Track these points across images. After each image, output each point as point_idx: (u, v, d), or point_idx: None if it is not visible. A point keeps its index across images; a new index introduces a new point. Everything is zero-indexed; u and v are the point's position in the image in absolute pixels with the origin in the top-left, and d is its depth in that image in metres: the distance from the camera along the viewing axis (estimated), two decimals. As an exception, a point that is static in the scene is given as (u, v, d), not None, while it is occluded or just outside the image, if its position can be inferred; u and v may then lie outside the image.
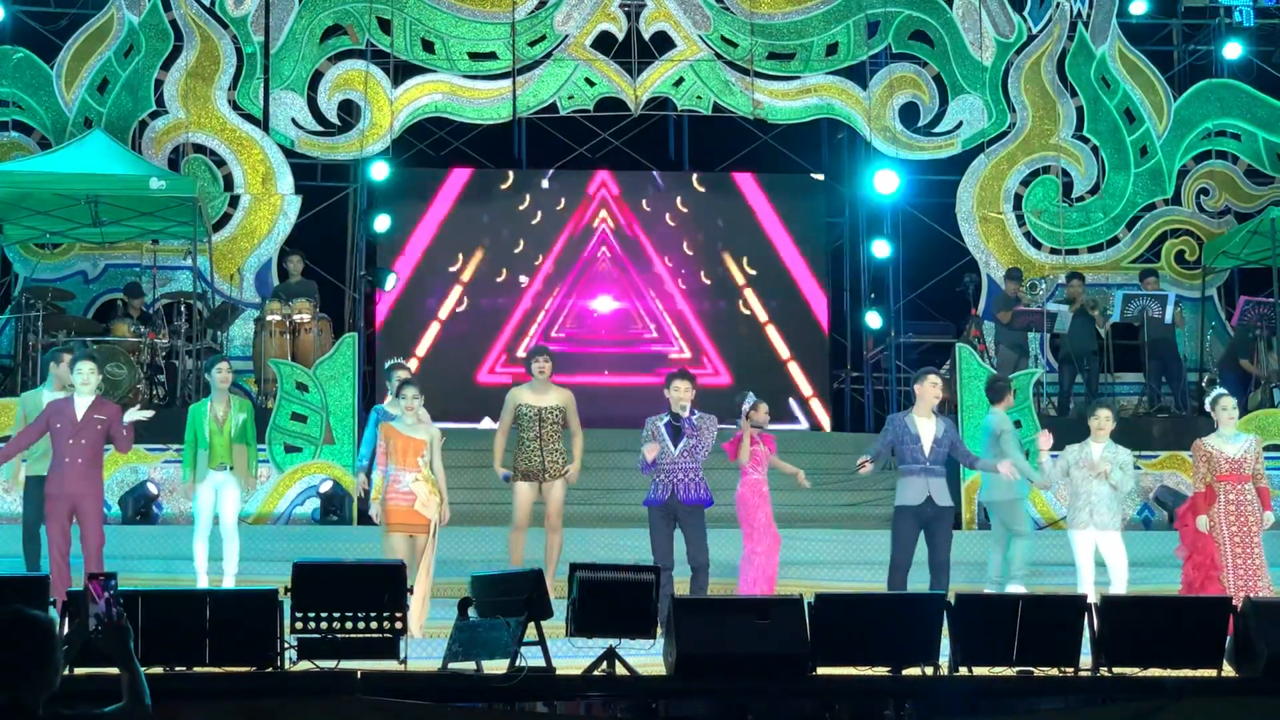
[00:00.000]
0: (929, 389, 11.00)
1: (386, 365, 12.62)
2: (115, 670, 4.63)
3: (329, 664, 7.86)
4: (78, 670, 7.12)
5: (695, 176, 19.44)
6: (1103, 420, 11.25)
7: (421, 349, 18.31)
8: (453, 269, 18.72)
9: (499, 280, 18.74)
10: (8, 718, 4.43)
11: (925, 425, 10.87)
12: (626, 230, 19.00)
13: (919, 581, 10.76)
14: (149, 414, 11.17)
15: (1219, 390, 11.83)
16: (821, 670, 7.99)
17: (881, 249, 18.10)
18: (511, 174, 19.15)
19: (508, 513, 11.77)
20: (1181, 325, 17.01)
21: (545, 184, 18.87)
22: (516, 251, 18.84)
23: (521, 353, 17.57)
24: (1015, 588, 11.28)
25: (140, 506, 13.71)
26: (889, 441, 11.05)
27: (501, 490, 12.05)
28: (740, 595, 10.82)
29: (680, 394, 10.93)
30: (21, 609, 4.51)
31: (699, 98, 17.78)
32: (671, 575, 10.46)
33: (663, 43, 17.86)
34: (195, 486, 11.47)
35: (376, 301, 18.28)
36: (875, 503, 14.31)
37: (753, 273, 19.03)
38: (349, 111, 17.62)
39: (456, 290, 18.69)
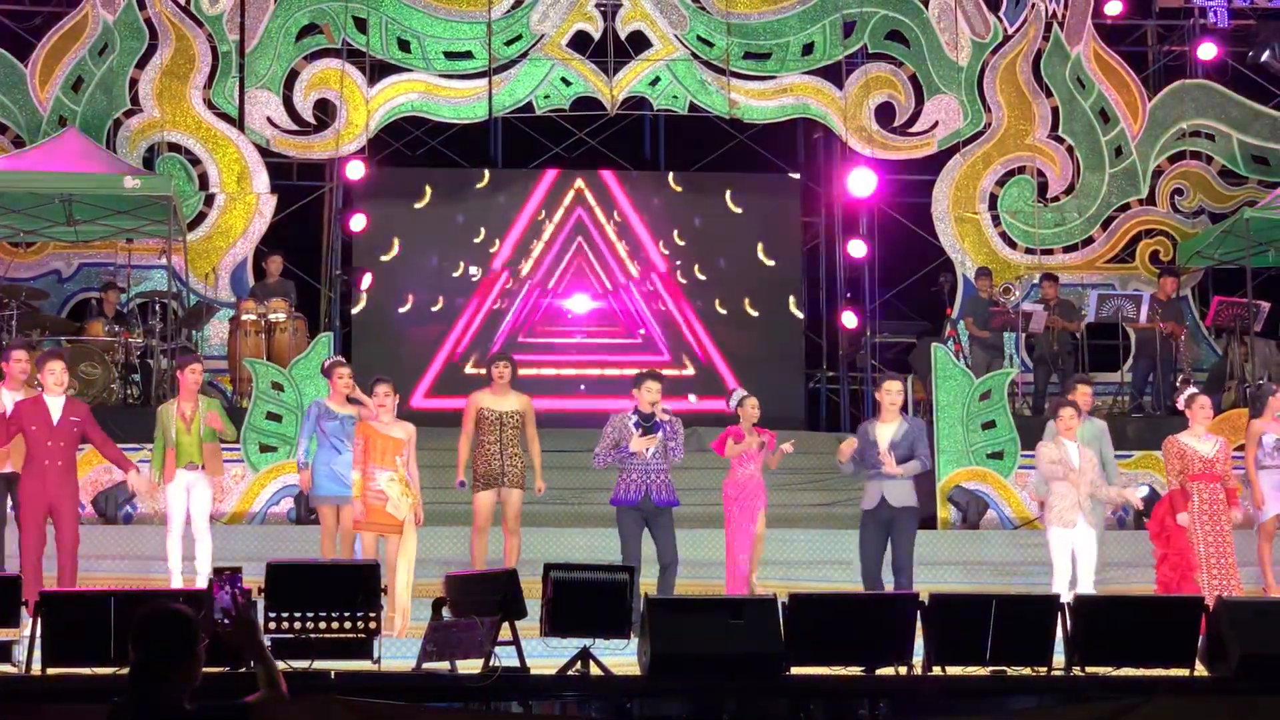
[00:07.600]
0: (882, 395, 11.15)
1: (328, 363, 12.26)
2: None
3: (303, 664, 7.85)
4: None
5: (671, 176, 19.43)
6: (1068, 419, 11.21)
7: (398, 347, 18.26)
8: (429, 268, 18.69)
9: (473, 279, 18.71)
10: (156, 713, 4.48)
11: (884, 430, 10.98)
12: (602, 230, 18.98)
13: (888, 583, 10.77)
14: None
15: (1193, 389, 11.83)
16: (796, 670, 8.00)
17: (857, 249, 18.08)
18: (487, 173, 19.12)
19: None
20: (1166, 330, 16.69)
21: None
22: (492, 250, 18.82)
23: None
24: None
25: (119, 506, 13.67)
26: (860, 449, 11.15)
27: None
28: (714, 595, 10.82)
29: (653, 394, 10.92)
30: (164, 603, 4.58)
31: (675, 97, 17.80)
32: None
33: (639, 42, 17.87)
34: (164, 486, 11.39)
35: (353, 298, 18.22)
36: (849, 502, 14.25)
37: (728, 273, 19.03)
38: (325, 110, 17.58)
39: (433, 289, 18.66)
